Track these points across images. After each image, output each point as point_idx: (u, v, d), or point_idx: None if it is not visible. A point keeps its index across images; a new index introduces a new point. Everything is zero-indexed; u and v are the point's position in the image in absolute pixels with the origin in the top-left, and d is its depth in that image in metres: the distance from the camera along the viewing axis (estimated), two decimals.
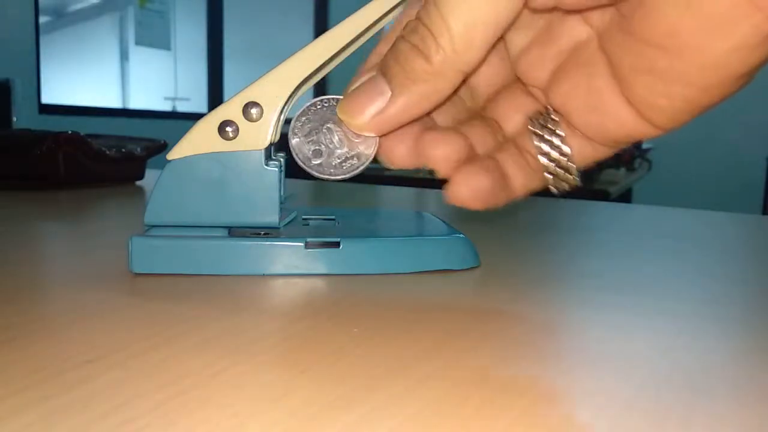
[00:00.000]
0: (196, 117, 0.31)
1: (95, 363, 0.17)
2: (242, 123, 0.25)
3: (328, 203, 0.59)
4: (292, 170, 0.32)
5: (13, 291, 0.24)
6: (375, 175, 1.58)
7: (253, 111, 0.25)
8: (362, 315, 0.22)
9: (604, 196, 1.36)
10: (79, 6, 2.62)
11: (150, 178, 0.70)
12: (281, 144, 0.32)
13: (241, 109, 0.25)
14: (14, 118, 1.80)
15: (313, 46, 0.25)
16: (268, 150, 0.26)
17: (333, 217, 0.33)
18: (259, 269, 0.27)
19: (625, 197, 2.05)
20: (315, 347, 0.19)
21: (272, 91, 0.25)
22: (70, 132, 0.59)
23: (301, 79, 0.25)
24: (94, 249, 0.32)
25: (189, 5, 2.96)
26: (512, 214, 0.51)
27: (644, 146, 2.11)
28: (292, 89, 0.26)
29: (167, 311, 0.22)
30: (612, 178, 1.61)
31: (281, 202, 0.27)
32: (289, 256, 0.27)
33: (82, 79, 2.60)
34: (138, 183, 0.66)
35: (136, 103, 2.81)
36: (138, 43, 2.72)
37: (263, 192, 0.26)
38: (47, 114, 2.29)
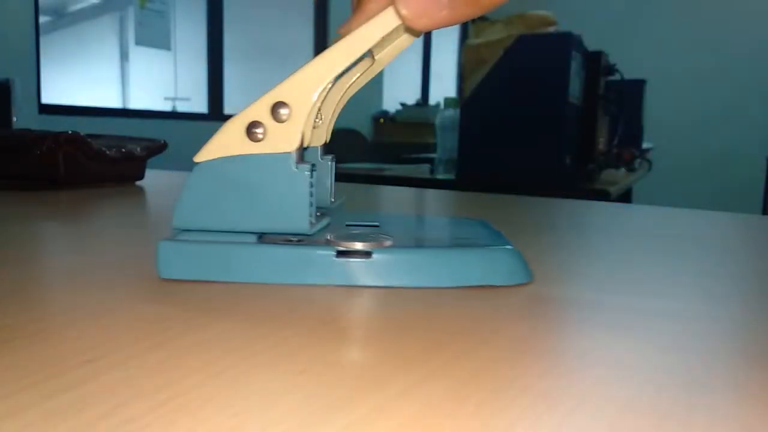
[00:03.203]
0: (196, 117, 0.31)
1: (95, 363, 0.17)
2: (270, 124, 0.24)
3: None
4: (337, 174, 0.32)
5: (13, 291, 0.24)
6: (375, 175, 1.58)
7: (282, 111, 0.24)
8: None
9: (604, 196, 1.36)
10: (79, 6, 2.62)
11: (150, 178, 0.70)
12: (330, 146, 0.32)
13: (269, 109, 0.24)
14: (14, 118, 1.80)
15: (345, 42, 0.24)
16: (299, 152, 0.25)
17: (377, 223, 0.32)
18: (287, 278, 0.25)
19: (625, 197, 2.05)
20: (316, 350, 0.19)
21: (301, 90, 0.24)
22: (70, 132, 0.59)
23: (332, 78, 0.24)
24: (94, 249, 0.32)
25: (189, 5, 2.96)
26: (512, 214, 0.51)
27: (644, 146, 2.11)
28: (322, 88, 0.24)
29: (164, 313, 0.22)
30: (612, 178, 1.61)
31: (319, 207, 0.26)
32: (318, 266, 0.25)
33: (82, 79, 2.60)
34: (138, 183, 0.66)
35: (136, 103, 2.81)
36: (138, 43, 2.72)
37: (293, 197, 0.25)
38: (47, 114, 2.29)
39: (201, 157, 0.25)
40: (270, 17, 3.29)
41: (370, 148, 3.37)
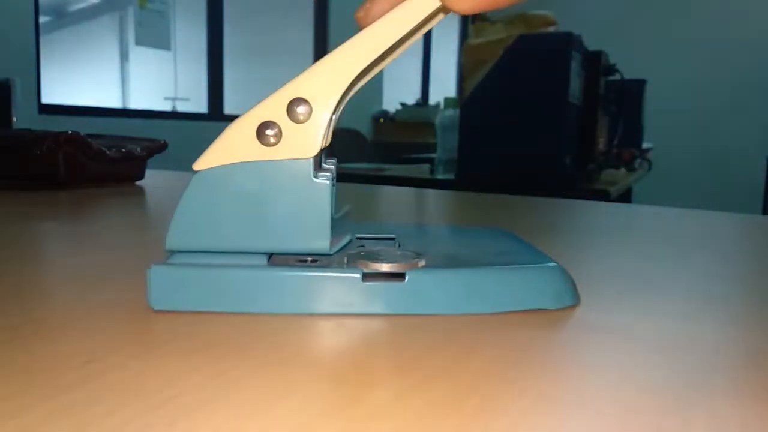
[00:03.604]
0: (196, 117, 0.30)
1: (95, 363, 0.17)
2: (286, 125, 0.21)
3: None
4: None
5: (13, 291, 0.24)
6: (375, 175, 1.58)
7: (300, 110, 0.21)
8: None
9: (604, 196, 1.36)
10: (79, 6, 2.62)
11: (150, 178, 0.70)
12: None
13: (285, 107, 0.21)
14: (14, 118, 1.80)
15: (372, 31, 0.21)
16: (317, 158, 0.22)
17: (392, 236, 0.28)
18: (304, 307, 0.21)
19: (625, 197, 2.05)
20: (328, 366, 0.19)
21: (325, 84, 0.21)
22: (70, 132, 0.59)
23: (358, 72, 0.21)
24: (94, 249, 0.32)
25: (189, 5, 2.96)
26: (512, 215, 0.51)
27: (644, 146, 2.11)
28: (347, 83, 0.21)
29: (165, 318, 0.21)
30: (612, 178, 1.61)
31: (334, 222, 0.23)
32: (342, 291, 0.21)
33: (82, 79, 2.60)
34: (138, 183, 0.66)
35: (136, 103, 2.81)
36: (138, 43, 2.72)
37: (311, 210, 0.21)
38: (47, 114, 2.29)
39: (201, 164, 0.21)
40: (270, 17, 3.29)
41: (370, 148, 3.37)
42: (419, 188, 0.74)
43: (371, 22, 0.21)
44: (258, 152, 0.21)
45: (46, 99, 2.32)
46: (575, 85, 1.32)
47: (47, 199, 0.52)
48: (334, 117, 0.25)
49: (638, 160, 1.88)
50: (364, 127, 3.58)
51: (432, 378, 0.16)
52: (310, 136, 0.21)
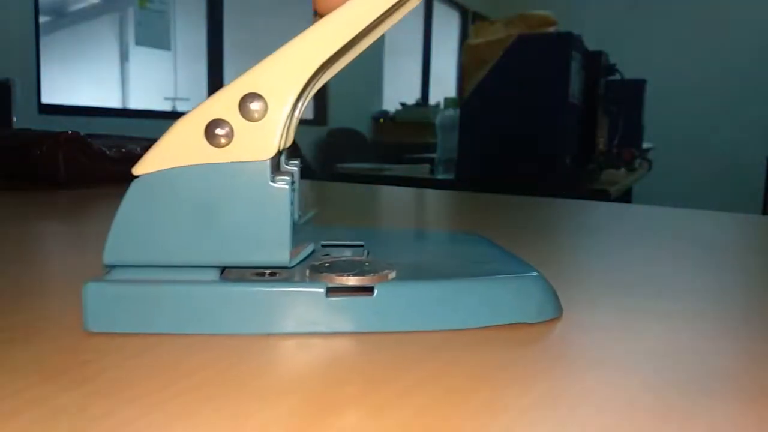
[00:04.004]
0: None
1: (95, 363, 0.17)
2: (239, 123, 0.19)
3: (320, 216, 0.59)
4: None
5: (13, 291, 0.24)
6: (375, 175, 1.58)
7: (254, 106, 0.19)
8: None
9: (604, 196, 1.36)
10: (79, 6, 2.62)
11: None
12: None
13: (236, 103, 0.19)
14: (14, 118, 1.79)
15: (336, 18, 0.19)
16: (275, 160, 0.20)
17: (361, 242, 0.26)
18: (261, 326, 0.19)
19: (625, 197, 2.05)
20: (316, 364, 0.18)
21: (281, 78, 0.19)
22: (70, 132, 0.59)
23: (320, 63, 0.19)
24: (93, 249, 0.32)
25: (189, 5, 2.96)
26: (512, 215, 0.51)
27: (644, 146, 2.11)
28: (308, 76, 0.19)
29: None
30: (612, 178, 1.61)
31: (295, 230, 0.21)
32: (304, 308, 0.20)
33: (82, 79, 2.60)
34: None
35: (136, 103, 2.81)
36: (138, 43, 2.72)
37: (269, 218, 0.19)
38: (47, 114, 2.29)
39: (142, 168, 0.19)
40: (270, 17, 3.29)
41: (370, 148, 3.37)
42: (419, 188, 0.74)
43: (334, 8, 0.19)
44: (207, 154, 0.19)
45: (46, 99, 2.32)
46: (575, 85, 1.32)
47: (47, 199, 0.52)
48: (294, 114, 0.22)
49: (638, 160, 1.88)
50: (364, 127, 3.58)
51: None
52: (266, 136, 0.19)
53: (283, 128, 0.19)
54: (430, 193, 0.70)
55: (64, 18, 2.58)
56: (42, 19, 2.30)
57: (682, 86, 3.79)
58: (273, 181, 0.19)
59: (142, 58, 2.79)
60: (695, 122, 3.82)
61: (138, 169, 0.19)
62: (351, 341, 0.19)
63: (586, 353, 0.19)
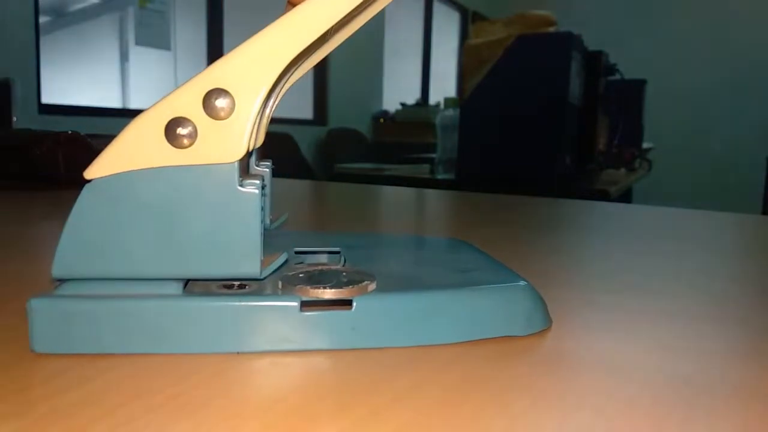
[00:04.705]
0: None
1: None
2: (203, 122, 0.17)
3: (319, 216, 0.59)
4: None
5: (13, 291, 0.24)
6: (375, 175, 1.58)
7: (220, 104, 0.17)
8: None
9: (604, 196, 1.36)
10: (79, 6, 2.62)
11: None
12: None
13: (200, 100, 0.17)
14: (14, 118, 1.80)
15: (310, 7, 0.17)
16: (244, 162, 0.18)
17: (337, 249, 0.24)
18: (229, 344, 0.18)
19: (625, 197, 2.05)
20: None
21: (249, 73, 0.17)
22: (70, 132, 0.59)
23: (293, 56, 0.17)
24: None
25: (189, 5, 2.96)
26: (512, 215, 0.51)
27: (644, 146, 2.11)
28: (279, 70, 0.17)
29: None
30: (612, 178, 1.62)
31: (267, 236, 0.19)
32: (276, 324, 0.18)
33: (82, 79, 2.60)
34: None
35: (136, 103, 2.81)
36: (138, 43, 2.72)
37: (237, 226, 0.17)
38: (47, 114, 2.29)
39: (95, 171, 0.17)
40: (270, 18, 3.29)
41: (370, 148, 3.37)
42: (419, 188, 0.74)
43: None
44: (168, 156, 0.17)
45: (46, 99, 2.32)
46: (575, 85, 1.33)
47: (47, 199, 0.52)
48: (265, 111, 0.21)
49: (638, 160, 1.88)
50: (364, 127, 3.58)
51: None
52: (233, 136, 0.17)
53: (252, 127, 0.17)
54: (430, 194, 0.70)
55: (64, 18, 2.58)
56: (42, 19, 2.30)
57: (682, 86, 3.80)
58: (241, 185, 0.17)
59: (142, 58, 2.79)
60: (695, 122, 3.83)
61: (90, 173, 0.17)
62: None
63: (585, 354, 0.19)
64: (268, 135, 0.24)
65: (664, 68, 3.72)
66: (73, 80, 2.55)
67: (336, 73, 3.29)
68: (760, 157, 3.16)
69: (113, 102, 2.74)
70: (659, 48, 3.87)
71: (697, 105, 3.82)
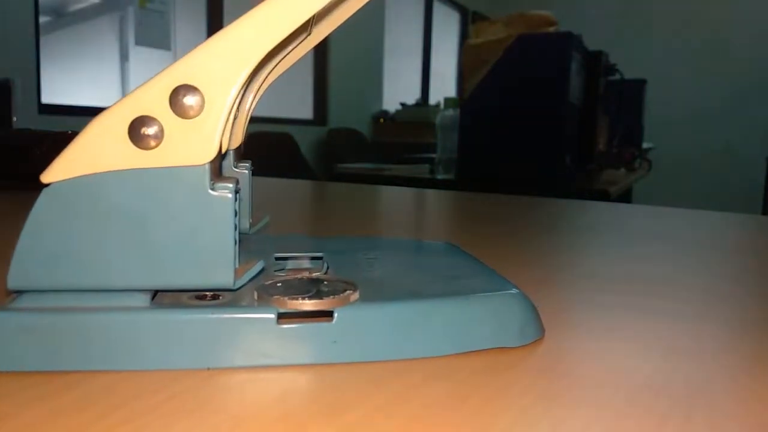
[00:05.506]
0: None
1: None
2: (170, 121, 0.16)
3: (318, 217, 0.58)
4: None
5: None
6: (375, 175, 1.58)
7: (188, 101, 0.16)
8: None
9: (604, 196, 1.36)
10: (79, 6, 2.62)
11: None
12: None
13: (167, 98, 0.16)
14: (14, 118, 1.79)
15: None
16: (215, 164, 0.17)
17: (320, 254, 0.23)
18: (201, 360, 0.16)
19: (625, 197, 2.05)
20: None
21: (220, 68, 0.16)
22: (70, 132, 0.59)
23: (268, 50, 0.16)
24: None
25: (189, 5, 2.96)
26: (512, 215, 0.51)
27: (644, 146, 2.11)
28: (252, 65, 0.16)
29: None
30: (612, 178, 1.62)
31: (244, 242, 0.18)
32: (251, 338, 0.17)
33: (82, 79, 2.60)
34: None
35: None
36: (138, 43, 2.72)
37: (208, 232, 0.16)
38: (47, 114, 2.29)
39: (54, 174, 0.16)
40: None
41: (370, 148, 3.37)
42: (419, 188, 0.74)
43: None
44: (132, 157, 0.16)
45: (46, 99, 2.32)
46: (575, 85, 1.33)
47: None
48: (244, 107, 0.20)
49: (638, 160, 1.88)
50: (364, 127, 3.58)
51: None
52: (203, 136, 0.16)
53: (224, 126, 0.16)
54: (430, 194, 0.70)
55: (64, 18, 2.58)
56: (42, 19, 2.30)
57: (682, 86, 3.79)
58: (213, 189, 0.16)
59: (142, 58, 2.79)
60: (695, 122, 3.82)
61: (48, 176, 0.16)
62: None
63: (579, 367, 0.19)
64: (268, 135, 0.24)
65: (664, 68, 3.72)
66: (73, 80, 2.55)
67: (336, 73, 3.29)
68: (760, 157, 3.16)
69: (113, 102, 2.75)
70: (659, 48, 3.87)
71: (697, 105, 3.82)
